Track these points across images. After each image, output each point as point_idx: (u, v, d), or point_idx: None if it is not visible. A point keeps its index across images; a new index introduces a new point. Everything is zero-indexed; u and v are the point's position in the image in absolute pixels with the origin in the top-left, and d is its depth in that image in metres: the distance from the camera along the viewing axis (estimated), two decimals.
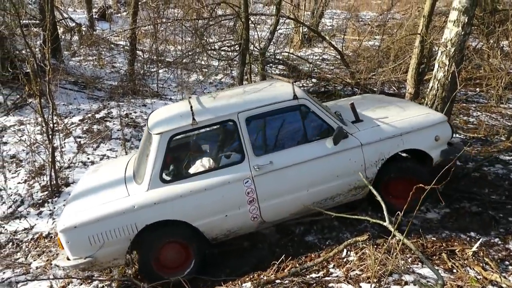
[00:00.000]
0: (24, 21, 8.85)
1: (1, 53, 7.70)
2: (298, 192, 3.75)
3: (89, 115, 7.55)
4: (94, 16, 12.53)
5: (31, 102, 7.65)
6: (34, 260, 4.47)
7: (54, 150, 5.62)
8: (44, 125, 5.86)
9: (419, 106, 4.70)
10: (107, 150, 6.54)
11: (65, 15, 11.49)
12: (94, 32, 11.31)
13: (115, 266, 3.79)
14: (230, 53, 8.48)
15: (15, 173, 6.01)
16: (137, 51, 9.41)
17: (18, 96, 7.97)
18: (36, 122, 7.12)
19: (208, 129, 3.88)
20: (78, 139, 6.67)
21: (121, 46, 11.10)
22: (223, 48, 8.15)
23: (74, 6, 14.41)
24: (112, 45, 11.01)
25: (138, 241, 3.56)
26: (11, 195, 5.49)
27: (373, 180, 3.93)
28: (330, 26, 13.36)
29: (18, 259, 4.53)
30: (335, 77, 8.41)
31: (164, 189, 3.52)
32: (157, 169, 3.51)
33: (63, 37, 10.76)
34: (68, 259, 3.51)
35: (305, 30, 11.48)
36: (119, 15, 14.38)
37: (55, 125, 5.97)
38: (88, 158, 6.31)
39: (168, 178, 3.60)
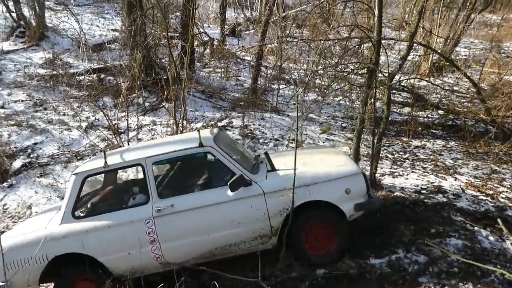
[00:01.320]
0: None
1: (146, 61, 8.70)
2: (198, 236, 3.82)
3: (212, 122, 8.09)
4: (225, 32, 13.48)
5: (165, 105, 8.48)
6: None
7: None
8: (174, 127, 6.45)
9: (344, 157, 4.47)
10: None
11: (201, 30, 12.57)
12: (225, 47, 12.14)
13: None
14: (353, 75, 8.34)
15: None
16: (262, 67, 9.83)
17: (154, 99, 8.91)
18: (166, 124, 7.87)
19: (122, 172, 4.40)
20: None
21: (247, 61, 11.73)
22: (346, 70, 8.07)
23: (209, 22, 15.68)
24: (239, 60, 11.70)
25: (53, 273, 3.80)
26: None
27: (279, 230, 3.90)
28: (465, 55, 12.38)
29: None
30: (466, 111, 7.73)
31: (74, 224, 3.82)
32: (70, 205, 3.87)
33: (197, 49, 11.77)
34: None
35: (435, 58, 10.81)
36: (247, 32, 15.24)
37: (183, 128, 6.53)
38: None
39: (81, 214, 3.93)
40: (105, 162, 3.90)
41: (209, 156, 3.99)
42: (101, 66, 9.86)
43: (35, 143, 7.35)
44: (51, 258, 3.80)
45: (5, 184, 6.41)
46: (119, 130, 7.66)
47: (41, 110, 8.49)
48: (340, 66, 7.97)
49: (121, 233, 3.81)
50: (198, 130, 4.05)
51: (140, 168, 4.02)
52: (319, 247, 3.95)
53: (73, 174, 4.02)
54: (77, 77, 9.48)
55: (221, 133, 4.56)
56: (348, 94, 8.79)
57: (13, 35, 11.96)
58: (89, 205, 4.17)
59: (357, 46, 7.90)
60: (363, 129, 6.02)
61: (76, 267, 3.92)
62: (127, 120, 7.35)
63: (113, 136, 7.26)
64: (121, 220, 3.81)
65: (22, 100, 8.76)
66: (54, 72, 9.66)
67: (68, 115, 8.32)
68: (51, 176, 6.58)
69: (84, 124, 7.97)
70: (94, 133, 7.73)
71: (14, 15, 12.03)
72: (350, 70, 7.67)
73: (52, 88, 9.28)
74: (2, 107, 8.39)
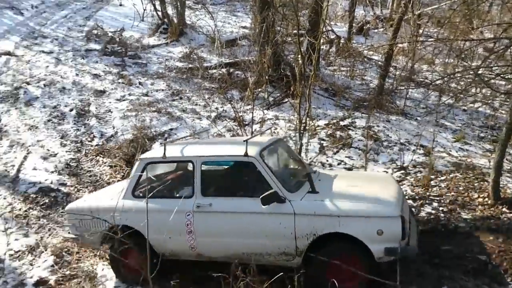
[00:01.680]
0: (294, 31, 10.04)
1: (274, 57, 8.92)
2: (228, 238, 4.03)
3: (334, 121, 7.98)
4: (353, 31, 13.15)
5: (289, 100, 8.62)
6: None
7: (301, 146, 6.18)
8: (298, 122, 6.51)
9: (393, 194, 3.99)
10: (345, 157, 6.77)
11: (328, 28, 12.47)
12: (351, 45, 11.85)
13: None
14: (497, 81, 7.44)
15: None
16: (390, 67, 9.37)
17: (278, 94, 9.12)
18: (288, 119, 7.99)
19: (176, 164, 4.91)
20: (322, 141, 7.13)
21: (374, 60, 11.29)
22: (490, 74, 7.22)
23: (336, 20, 15.47)
24: (366, 59, 11.32)
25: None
26: None
27: (304, 252, 3.87)
28: None
29: None
30: None
31: (132, 201, 4.33)
32: (131, 185, 4.41)
33: (322, 47, 11.70)
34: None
35: None
36: (376, 30, 14.67)
37: (306, 124, 6.55)
38: (327, 160, 6.68)
39: (139, 194, 4.41)
40: (164, 153, 4.33)
41: (251, 166, 4.07)
42: (231, 61, 10.44)
43: (171, 129, 8.11)
44: (110, 226, 4.21)
45: None
46: (244, 122, 8.02)
47: (177, 99, 9.33)
48: (483, 69, 7.19)
49: (166, 219, 4.09)
50: (246, 141, 4.14)
51: (191, 165, 4.38)
52: (343, 280, 3.66)
53: (138, 159, 4.61)
54: (209, 71, 10.20)
55: (276, 144, 4.67)
56: (489, 101, 7.88)
57: (157, 31, 13.41)
58: (148, 188, 4.60)
59: (505, 48, 7.01)
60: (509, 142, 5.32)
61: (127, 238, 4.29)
62: (252, 113, 7.66)
63: (238, 127, 7.63)
64: (168, 207, 4.06)
65: (162, 90, 9.74)
66: (190, 65, 10.54)
67: (199, 105, 9.00)
68: None
69: (213, 114, 8.53)
70: (221, 123, 8.22)
71: (159, 13, 13.43)
72: (495, 75, 6.87)
73: (188, 79, 10.14)
74: (146, 95, 9.44)
